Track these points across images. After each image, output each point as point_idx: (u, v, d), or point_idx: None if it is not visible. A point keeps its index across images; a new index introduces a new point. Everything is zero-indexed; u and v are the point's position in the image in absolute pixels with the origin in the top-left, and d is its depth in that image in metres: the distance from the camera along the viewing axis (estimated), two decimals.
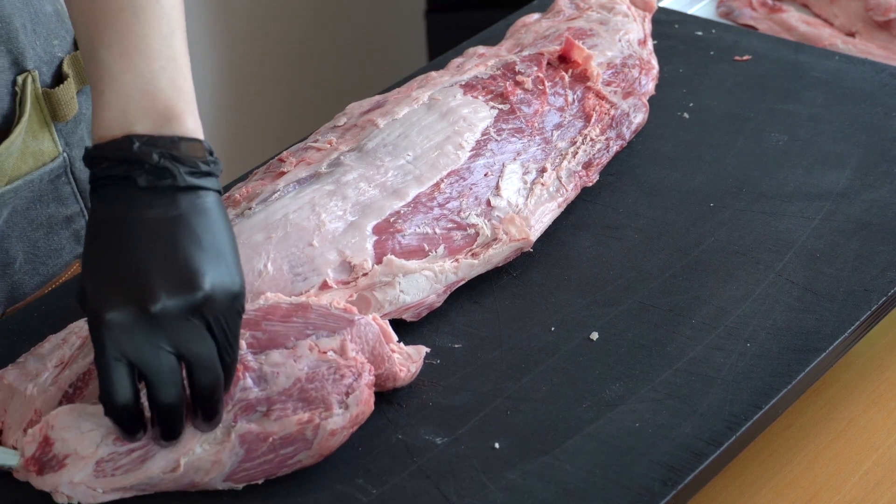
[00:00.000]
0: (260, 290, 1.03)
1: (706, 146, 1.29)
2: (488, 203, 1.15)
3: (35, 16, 1.17)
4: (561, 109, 1.24)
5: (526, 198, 1.17)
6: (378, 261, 1.08)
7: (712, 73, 1.41)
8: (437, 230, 1.12)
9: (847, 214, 1.18)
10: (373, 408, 0.97)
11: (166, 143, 0.89)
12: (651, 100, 1.31)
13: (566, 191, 1.19)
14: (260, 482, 0.95)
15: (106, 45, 0.91)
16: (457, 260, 1.11)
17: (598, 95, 1.26)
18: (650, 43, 1.36)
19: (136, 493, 0.94)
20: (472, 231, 1.13)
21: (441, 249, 1.11)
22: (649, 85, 1.31)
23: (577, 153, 1.22)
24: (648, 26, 1.38)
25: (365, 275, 1.07)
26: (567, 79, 1.27)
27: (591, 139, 1.23)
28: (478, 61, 1.31)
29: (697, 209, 1.21)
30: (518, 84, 1.25)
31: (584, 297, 1.11)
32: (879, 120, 1.31)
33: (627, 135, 1.26)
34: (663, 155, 1.29)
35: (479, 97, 1.23)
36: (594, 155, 1.23)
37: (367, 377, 0.97)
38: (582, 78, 1.27)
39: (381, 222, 1.10)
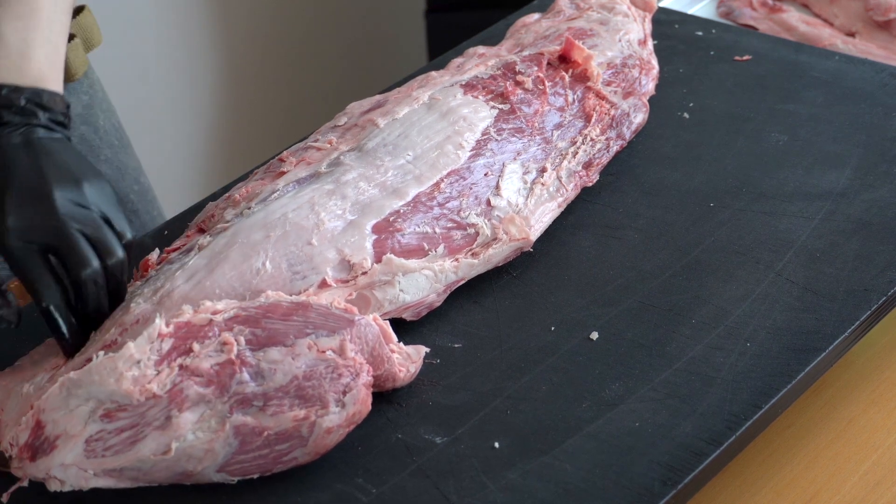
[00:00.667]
0: (259, 289, 1.03)
1: (706, 146, 1.29)
2: (488, 203, 1.15)
3: None
4: (561, 109, 1.24)
5: (526, 198, 1.17)
6: (377, 260, 1.08)
7: (712, 73, 1.41)
8: (437, 229, 1.12)
9: (847, 214, 1.18)
10: (370, 408, 0.97)
11: (30, 93, 1.06)
12: (651, 100, 1.31)
13: (566, 191, 1.19)
14: (255, 477, 0.95)
15: (3, 5, 1.08)
16: (457, 259, 1.11)
17: (599, 95, 1.26)
18: (650, 43, 1.36)
19: (130, 482, 0.94)
20: (472, 231, 1.13)
21: (441, 249, 1.11)
22: (649, 85, 1.31)
23: (577, 153, 1.22)
24: (648, 26, 1.38)
25: (364, 273, 1.07)
26: (567, 79, 1.27)
27: (592, 139, 1.23)
28: (478, 61, 1.31)
29: (697, 209, 1.21)
30: (518, 84, 1.25)
31: (584, 297, 1.11)
32: (879, 120, 1.31)
33: (627, 135, 1.26)
34: (663, 155, 1.29)
35: (480, 97, 1.23)
36: (594, 155, 1.23)
37: (365, 377, 0.97)
38: (582, 78, 1.27)
39: (381, 221, 1.10)
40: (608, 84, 1.28)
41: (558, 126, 1.23)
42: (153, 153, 2.37)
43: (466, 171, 1.16)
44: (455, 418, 1.00)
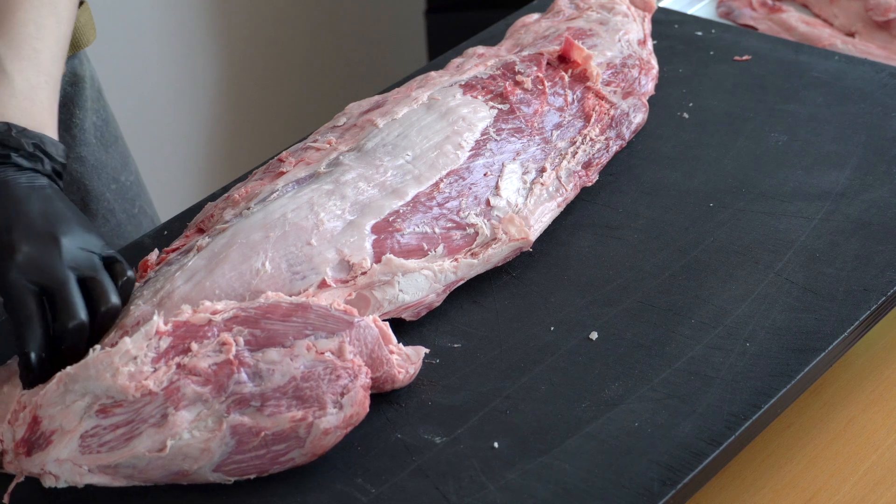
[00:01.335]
0: (258, 289, 1.03)
1: (706, 146, 1.29)
2: (488, 203, 1.15)
3: None
4: (560, 109, 1.24)
5: (525, 197, 1.17)
6: (377, 260, 1.08)
7: (712, 73, 1.41)
8: (437, 230, 1.12)
9: (846, 214, 1.18)
10: (368, 409, 0.97)
11: (37, 139, 1.08)
12: (651, 100, 1.31)
13: (566, 191, 1.19)
14: (252, 477, 0.95)
15: (6, 44, 1.10)
16: (456, 259, 1.11)
17: (598, 95, 1.26)
18: (650, 43, 1.36)
19: (125, 480, 0.94)
20: (472, 231, 1.13)
21: (440, 249, 1.11)
22: (649, 85, 1.31)
23: (576, 153, 1.22)
24: (648, 26, 1.38)
25: (364, 273, 1.07)
26: (567, 79, 1.27)
27: (591, 139, 1.23)
28: (477, 61, 1.31)
29: (697, 209, 1.21)
30: (518, 84, 1.25)
31: (584, 297, 1.11)
32: (879, 120, 1.31)
33: (627, 135, 1.26)
34: (663, 155, 1.29)
35: (479, 97, 1.23)
36: (594, 155, 1.23)
37: (363, 379, 0.97)
38: (582, 78, 1.27)
39: (380, 221, 1.10)
40: (608, 84, 1.28)
41: (558, 126, 1.23)
42: (152, 153, 2.37)
43: (466, 171, 1.16)
44: (454, 418, 1.00)
